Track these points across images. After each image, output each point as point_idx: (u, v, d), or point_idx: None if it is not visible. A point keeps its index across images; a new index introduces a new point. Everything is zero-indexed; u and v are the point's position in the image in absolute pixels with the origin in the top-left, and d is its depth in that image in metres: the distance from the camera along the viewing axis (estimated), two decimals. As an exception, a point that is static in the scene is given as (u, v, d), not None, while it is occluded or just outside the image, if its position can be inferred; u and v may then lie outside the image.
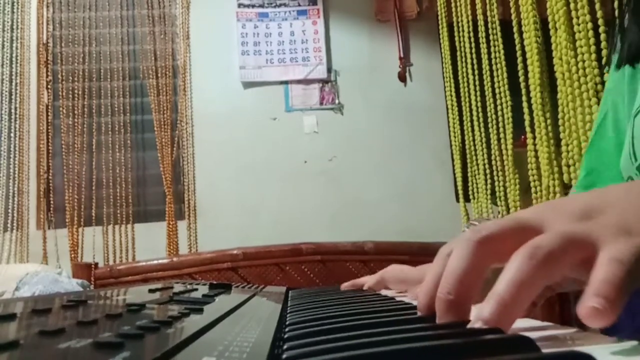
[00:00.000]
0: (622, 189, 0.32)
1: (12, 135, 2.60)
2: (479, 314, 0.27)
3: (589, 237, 0.27)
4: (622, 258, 0.26)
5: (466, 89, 2.11)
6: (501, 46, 1.85)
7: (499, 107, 1.88)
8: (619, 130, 0.66)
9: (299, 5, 2.84)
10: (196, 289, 0.63)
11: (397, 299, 0.58)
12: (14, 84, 2.64)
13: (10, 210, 2.53)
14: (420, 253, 1.88)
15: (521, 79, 1.66)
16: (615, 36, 0.61)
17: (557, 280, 0.27)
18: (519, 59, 1.66)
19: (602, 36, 1.23)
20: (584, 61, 1.29)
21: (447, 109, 2.37)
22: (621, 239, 0.27)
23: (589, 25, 1.28)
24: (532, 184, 1.63)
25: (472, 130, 2.09)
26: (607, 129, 0.68)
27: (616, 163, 0.63)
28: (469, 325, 0.27)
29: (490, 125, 1.93)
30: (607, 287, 0.24)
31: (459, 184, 2.25)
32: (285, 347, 0.26)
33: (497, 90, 1.88)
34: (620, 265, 0.25)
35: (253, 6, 2.83)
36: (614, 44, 0.62)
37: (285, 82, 2.78)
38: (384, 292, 0.73)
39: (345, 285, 0.82)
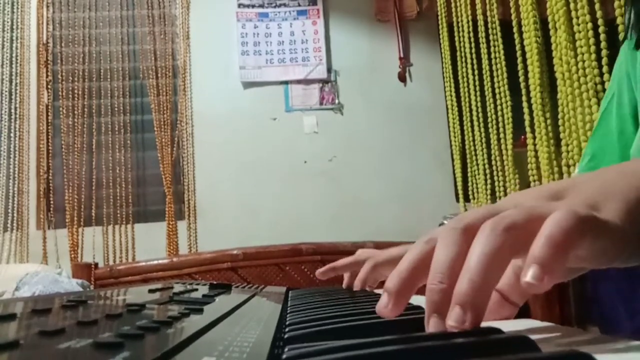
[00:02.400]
0: (590, 175, 0.33)
1: (12, 135, 2.60)
2: (455, 295, 0.26)
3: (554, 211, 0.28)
4: (567, 217, 0.26)
5: (466, 89, 2.11)
6: (501, 46, 1.85)
7: (498, 107, 1.88)
8: (621, 114, 0.65)
9: (299, 5, 2.84)
10: (196, 289, 0.63)
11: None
12: (14, 84, 2.64)
13: (10, 210, 2.53)
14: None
15: (521, 79, 1.66)
16: (629, 12, 0.61)
17: (525, 249, 0.26)
18: (519, 59, 1.66)
19: (602, 36, 1.23)
20: (584, 61, 1.29)
21: (447, 109, 2.37)
22: (581, 209, 0.27)
23: (589, 25, 1.28)
24: (532, 184, 1.63)
25: (472, 130, 2.09)
26: (611, 113, 0.67)
27: (618, 148, 0.63)
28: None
29: (490, 125, 1.93)
30: (543, 249, 0.25)
31: (459, 184, 2.25)
32: (285, 347, 0.26)
33: (497, 90, 1.88)
34: (562, 223, 0.25)
35: (253, 6, 2.83)
36: (629, 18, 0.61)
37: (285, 82, 2.78)
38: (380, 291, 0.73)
39: (320, 271, 0.82)
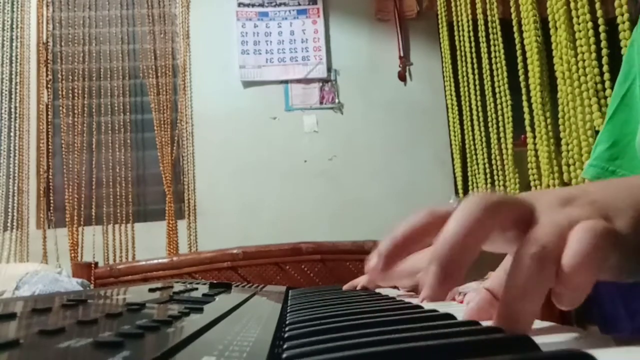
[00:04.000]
0: (602, 183, 0.34)
1: (12, 134, 2.60)
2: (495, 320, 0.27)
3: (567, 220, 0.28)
4: (595, 229, 0.26)
5: (466, 89, 2.11)
6: (501, 45, 1.85)
7: (499, 107, 1.88)
8: None
9: (299, 4, 2.84)
10: (196, 289, 0.63)
11: (398, 299, 0.58)
12: (13, 83, 2.64)
13: (10, 210, 2.53)
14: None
15: (521, 78, 1.65)
16: None
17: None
18: (519, 59, 1.66)
19: (602, 35, 1.23)
20: (584, 61, 1.29)
21: (447, 108, 2.37)
22: (599, 220, 0.27)
23: (589, 24, 1.28)
24: (532, 183, 1.63)
25: (472, 130, 2.09)
26: (634, 98, 0.66)
27: None
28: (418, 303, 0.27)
29: (490, 124, 1.93)
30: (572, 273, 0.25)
31: (459, 183, 2.25)
32: (285, 346, 0.26)
33: (497, 90, 1.87)
34: (585, 245, 0.25)
35: (253, 5, 2.83)
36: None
37: (285, 82, 2.78)
38: (389, 292, 0.74)
39: (344, 288, 0.83)
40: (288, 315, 0.44)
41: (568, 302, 0.26)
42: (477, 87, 2.03)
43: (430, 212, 0.31)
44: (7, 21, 2.67)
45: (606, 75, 1.23)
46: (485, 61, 1.93)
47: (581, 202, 0.30)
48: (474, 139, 2.09)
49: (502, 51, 1.84)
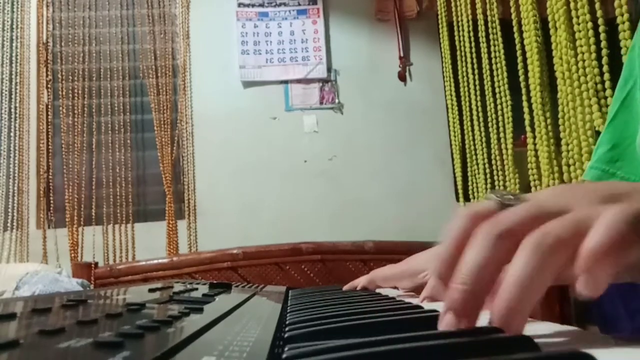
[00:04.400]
0: None
1: (12, 134, 2.60)
2: (491, 313, 0.26)
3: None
4: (615, 221, 0.24)
5: (466, 89, 2.11)
6: (501, 46, 1.84)
7: (499, 107, 1.88)
8: None
9: (299, 4, 2.84)
10: (196, 289, 0.63)
11: (398, 299, 0.58)
12: (13, 83, 2.64)
13: (10, 210, 2.53)
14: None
15: (521, 78, 1.65)
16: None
17: (569, 265, 0.25)
18: (519, 59, 1.66)
19: (602, 36, 1.23)
20: (584, 61, 1.29)
21: (447, 108, 2.37)
22: (631, 206, 0.25)
23: (589, 25, 1.28)
24: (532, 183, 1.63)
25: (472, 130, 2.09)
26: (635, 100, 0.66)
27: None
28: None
29: (490, 124, 1.93)
30: (590, 258, 0.24)
31: (459, 183, 2.25)
32: (285, 346, 0.26)
33: (497, 90, 1.87)
34: (610, 229, 0.24)
35: (253, 5, 2.83)
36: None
37: (285, 82, 2.78)
38: (389, 292, 0.74)
39: (345, 288, 0.83)
40: (288, 315, 0.44)
41: (588, 289, 0.24)
42: (477, 87, 2.03)
43: (471, 216, 0.30)
44: (7, 21, 2.67)
45: (606, 76, 1.23)
46: (485, 61, 1.93)
47: (626, 200, 0.28)
48: (474, 139, 2.09)
49: (502, 51, 1.84)
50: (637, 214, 0.25)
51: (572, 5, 1.32)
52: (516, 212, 0.29)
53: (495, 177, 1.93)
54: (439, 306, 0.40)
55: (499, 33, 1.85)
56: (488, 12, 1.87)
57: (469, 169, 2.13)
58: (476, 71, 2.02)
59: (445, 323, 0.27)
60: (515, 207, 0.29)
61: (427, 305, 0.43)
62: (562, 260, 0.26)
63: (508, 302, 0.25)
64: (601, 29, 1.23)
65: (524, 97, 1.65)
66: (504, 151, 1.86)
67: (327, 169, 2.72)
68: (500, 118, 1.87)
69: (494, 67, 1.88)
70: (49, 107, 2.70)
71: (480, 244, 0.28)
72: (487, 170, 1.98)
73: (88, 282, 1.84)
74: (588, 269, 0.23)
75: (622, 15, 1.13)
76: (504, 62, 1.84)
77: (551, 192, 0.32)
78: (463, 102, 2.14)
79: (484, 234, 0.28)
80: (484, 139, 2.02)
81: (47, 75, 2.71)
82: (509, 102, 1.82)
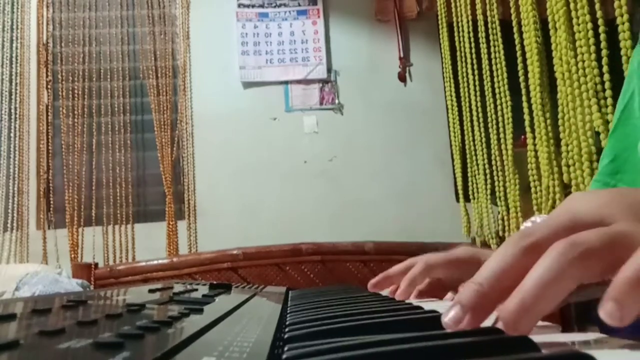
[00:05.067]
0: None
1: (12, 135, 2.60)
2: (499, 311, 0.26)
3: None
4: None
5: (466, 89, 2.11)
6: (501, 46, 1.85)
7: (498, 107, 1.88)
8: None
9: (299, 5, 2.84)
10: (196, 289, 0.63)
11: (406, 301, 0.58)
12: (13, 84, 2.64)
13: (10, 210, 2.53)
14: (420, 253, 1.88)
15: (521, 79, 1.66)
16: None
17: (595, 279, 0.24)
18: (519, 59, 1.66)
19: (602, 36, 1.23)
20: (584, 61, 1.29)
21: (447, 109, 2.37)
22: None
23: (589, 25, 1.28)
24: (532, 184, 1.63)
25: (472, 130, 2.09)
26: (633, 112, 0.66)
27: None
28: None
29: (490, 125, 1.94)
30: (624, 287, 0.22)
31: (459, 184, 2.25)
32: (285, 347, 0.26)
33: (497, 90, 1.88)
34: None
35: (253, 6, 2.83)
36: (638, 20, 0.61)
37: (285, 82, 2.78)
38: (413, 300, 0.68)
39: (373, 282, 0.70)
40: (288, 316, 0.44)
41: (613, 319, 0.22)
42: (477, 88, 2.03)
43: (525, 249, 0.27)
44: (7, 22, 2.67)
45: (606, 76, 1.23)
46: (485, 62, 1.93)
47: None
48: (474, 140, 2.09)
49: (502, 52, 1.84)
50: None
51: (572, 5, 1.32)
52: (548, 222, 0.28)
53: (495, 178, 1.93)
54: (439, 306, 0.40)
55: (499, 34, 1.85)
56: (488, 13, 1.87)
57: (469, 170, 2.13)
58: (476, 72, 2.02)
59: (449, 317, 0.27)
60: (548, 217, 0.28)
61: (427, 306, 0.43)
62: (590, 272, 0.25)
63: (520, 300, 0.25)
64: (601, 29, 1.23)
65: (523, 98, 1.65)
66: (503, 152, 1.86)
67: (327, 169, 2.72)
68: (500, 118, 1.88)
69: (493, 67, 1.88)
70: (49, 107, 2.70)
71: (503, 252, 0.28)
72: (487, 171, 1.98)
73: (88, 282, 1.84)
74: (620, 299, 0.22)
75: (622, 15, 1.13)
76: (503, 63, 1.84)
77: (588, 200, 0.30)
78: (463, 103, 2.14)
79: (510, 243, 0.28)
80: (484, 140, 2.02)
81: (47, 76, 2.71)
82: (509, 103, 1.82)
